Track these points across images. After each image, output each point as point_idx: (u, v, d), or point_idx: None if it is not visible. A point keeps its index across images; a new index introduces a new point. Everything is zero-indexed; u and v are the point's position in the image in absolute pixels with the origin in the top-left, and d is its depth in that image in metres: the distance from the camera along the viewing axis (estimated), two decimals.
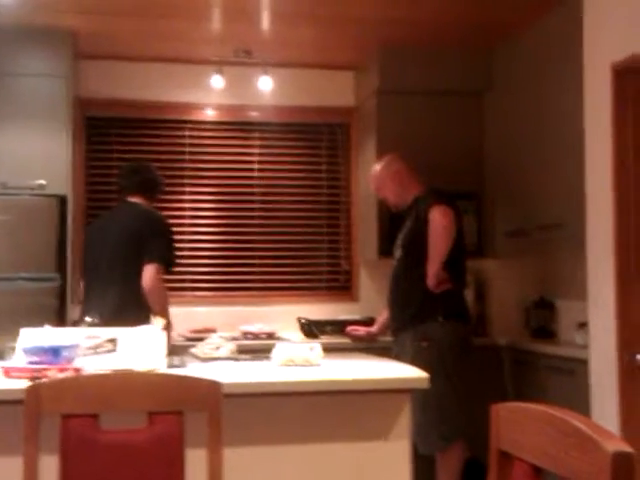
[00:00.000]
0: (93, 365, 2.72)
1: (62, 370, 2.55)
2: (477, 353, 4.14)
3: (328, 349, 3.26)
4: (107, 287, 3.85)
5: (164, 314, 3.57)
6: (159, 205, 4.53)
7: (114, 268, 3.87)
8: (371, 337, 4.67)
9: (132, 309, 3.69)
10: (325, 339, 4.81)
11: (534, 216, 4.64)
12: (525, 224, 4.74)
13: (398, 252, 4.12)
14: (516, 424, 1.49)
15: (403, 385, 2.82)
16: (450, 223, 3.87)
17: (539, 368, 4.35)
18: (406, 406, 2.85)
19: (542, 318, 4.91)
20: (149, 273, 3.77)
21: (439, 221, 3.85)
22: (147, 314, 3.42)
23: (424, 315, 3.95)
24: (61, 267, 4.53)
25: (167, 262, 3.87)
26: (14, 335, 2.86)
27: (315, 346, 3.13)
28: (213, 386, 2.01)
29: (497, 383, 4.65)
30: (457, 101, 5.17)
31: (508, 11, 4.54)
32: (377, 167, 4.36)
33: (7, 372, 2.57)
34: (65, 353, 2.63)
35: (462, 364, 3.91)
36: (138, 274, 3.75)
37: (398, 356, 3.85)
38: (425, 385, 2.77)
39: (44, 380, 2.32)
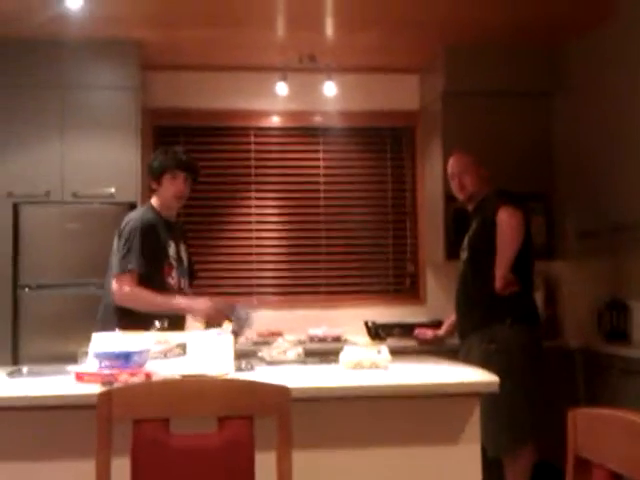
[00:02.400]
0: (163, 370, 2.75)
1: (133, 374, 2.59)
2: (548, 356, 4.07)
3: (395, 352, 3.24)
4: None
5: (160, 311, 3.41)
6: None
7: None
8: (439, 340, 4.62)
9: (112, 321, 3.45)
10: (392, 342, 4.78)
11: (606, 216, 4.54)
12: (596, 225, 4.64)
13: (464, 254, 4.08)
14: (594, 430, 1.46)
15: (472, 389, 2.78)
16: (518, 224, 3.81)
17: (613, 371, 4.25)
18: (476, 410, 2.81)
19: (615, 320, 4.80)
20: (112, 288, 3.53)
21: (507, 222, 3.80)
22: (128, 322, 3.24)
23: (492, 318, 3.89)
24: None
25: (121, 268, 3.52)
26: (87, 340, 2.91)
27: (383, 349, 3.11)
28: (282, 391, 2.02)
29: (569, 386, 4.56)
30: (524, 101, 5.09)
31: (576, 9, 4.46)
32: (456, 154, 4.28)
33: (80, 377, 2.62)
34: (136, 358, 2.67)
35: (531, 367, 3.84)
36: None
37: (466, 359, 3.80)
38: (495, 389, 2.73)
39: (116, 385, 2.37)
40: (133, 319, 3.37)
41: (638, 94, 4.17)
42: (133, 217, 3.69)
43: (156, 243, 3.64)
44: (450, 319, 4.46)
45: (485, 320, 3.91)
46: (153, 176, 3.76)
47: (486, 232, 3.89)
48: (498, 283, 3.78)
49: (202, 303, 3.61)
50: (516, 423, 3.79)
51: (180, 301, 3.61)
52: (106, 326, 3.22)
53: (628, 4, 4.24)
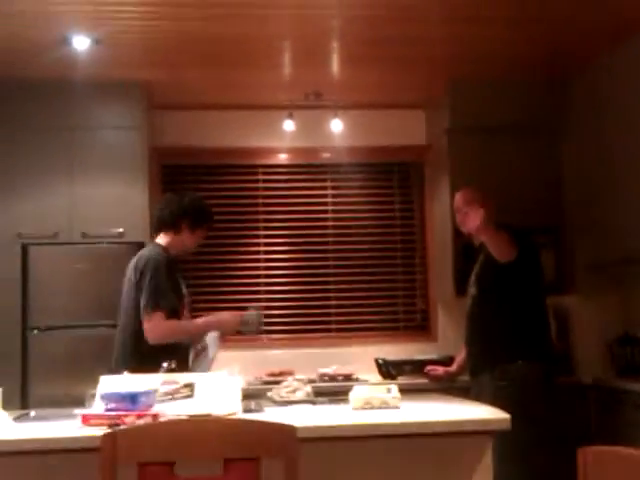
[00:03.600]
0: (171, 411, 2.73)
1: (140, 416, 2.56)
2: (560, 392, 4.01)
3: (406, 390, 3.21)
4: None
5: (193, 337, 3.61)
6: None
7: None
8: (450, 376, 4.58)
9: (128, 360, 3.52)
10: (403, 380, 4.74)
11: (615, 249, 4.51)
12: (606, 258, 4.61)
13: (472, 289, 4.05)
14: (605, 468, 1.43)
15: (484, 427, 2.74)
16: (510, 255, 3.78)
17: (627, 407, 4.19)
18: (488, 449, 2.77)
19: (628, 354, 4.74)
20: (145, 328, 3.52)
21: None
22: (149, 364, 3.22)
23: (504, 354, 3.85)
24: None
25: (153, 307, 3.51)
26: (94, 382, 2.89)
27: (392, 388, 3.08)
28: (288, 430, 1.99)
29: (582, 423, 4.50)
30: (531, 136, 5.08)
31: (582, 41, 4.47)
32: (463, 191, 4.25)
33: (86, 419, 2.59)
34: (143, 399, 2.64)
35: (544, 405, 3.79)
36: (133, 322, 3.59)
37: (478, 397, 3.75)
38: (507, 426, 2.69)
39: (120, 427, 2.34)
40: (150, 359, 3.35)
41: None
42: (149, 255, 3.66)
43: (175, 280, 3.68)
44: (461, 355, 4.42)
45: (496, 357, 3.87)
46: (172, 221, 3.73)
47: (493, 267, 3.87)
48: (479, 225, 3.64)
49: (227, 315, 3.74)
50: (528, 462, 3.73)
51: (207, 319, 3.72)
52: (123, 366, 3.28)
53: (632, 35, 4.25)
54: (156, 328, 3.51)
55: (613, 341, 4.84)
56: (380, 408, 2.96)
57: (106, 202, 4.82)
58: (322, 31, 4.28)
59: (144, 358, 3.43)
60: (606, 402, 4.44)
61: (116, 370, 3.31)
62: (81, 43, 4.22)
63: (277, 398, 3.31)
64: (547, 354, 3.94)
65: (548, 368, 3.90)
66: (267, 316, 5.46)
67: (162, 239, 3.78)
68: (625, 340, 4.77)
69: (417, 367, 4.86)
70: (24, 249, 4.69)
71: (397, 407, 2.97)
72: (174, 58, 4.58)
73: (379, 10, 3.96)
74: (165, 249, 3.73)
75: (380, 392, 3.06)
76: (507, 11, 4.00)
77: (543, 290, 4.01)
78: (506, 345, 3.84)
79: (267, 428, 2.02)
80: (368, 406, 2.97)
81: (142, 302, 3.54)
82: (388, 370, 4.92)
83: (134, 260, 3.71)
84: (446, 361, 4.74)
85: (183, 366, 3.48)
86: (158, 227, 3.81)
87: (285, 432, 1.99)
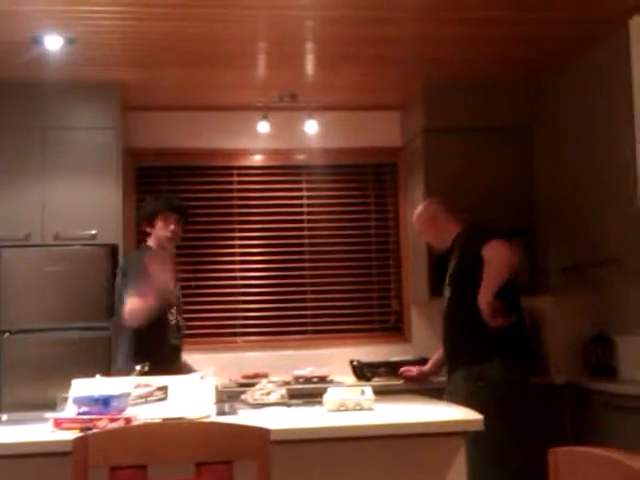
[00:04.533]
0: (144, 414, 2.71)
1: (113, 420, 2.54)
2: (534, 392, 4.03)
3: (381, 392, 3.21)
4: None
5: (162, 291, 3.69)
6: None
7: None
8: (424, 376, 4.59)
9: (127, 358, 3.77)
10: (378, 381, 4.75)
11: (589, 251, 4.54)
12: (579, 259, 4.64)
13: (447, 291, 4.06)
14: (576, 469, 1.43)
15: (457, 428, 2.75)
16: (511, 256, 3.79)
17: (599, 407, 4.22)
18: (461, 449, 2.77)
19: (601, 355, 4.78)
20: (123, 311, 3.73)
21: (499, 253, 3.76)
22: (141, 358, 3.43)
23: (479, 354, 3.86)
24: (112, 316, 4.57)
25: (126, 297, 3.73)
26: (66, 386, 2.86)
27: (366, 390, 3.08)
28: (261, 433, 1.98)
29: (555, 423, 4.52)
30: (505, 137, 5.10)
31: (554, 45, 4.51)
32: (416, 213, 4.33)
33: (58, 423, 2.57)
34: (115, 403, 2.62)
35: (519, 404, 3.81)
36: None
37: (451, 396, 3.76)
38: (480, 427, 2.70)
39: (92, 431, 2.32)
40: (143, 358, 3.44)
41: (617, 128, 4.20)
42: (133, 256, 4.03)
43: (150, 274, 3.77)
44: (437, 355, 4.43)
45: (472, 357, 3.88)
46: (146, 219, 4.05)
47: (467, 267, 3.88)
48: (484, 309, 3.70)
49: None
50: (503, 462, 3.75)
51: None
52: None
53: (606, 37, 4.28)
54: (127, 311, 3.68)
55: (586, 342, 4.88)
56: (354, 410, 2.96)
57: (79, 204, 4.78)
58: (297, 32, 4.27)
59: (137, 357, 3.58)
60: (579, 402, 4.47)
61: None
62: (54, 43, 4.18)
63: (251, 400, 3.30)
64: (523, 352, 3.96)
65: (524, 367, 3.91)
66: (243, 318, 5.46)
67: (150, 241, 4.05)
68: (598, 340, 4.80)
69: (391, 369, 4.86)
70: None
71: (371, 409, 2.97)
72: (148, 59, 4.55)
73: (354, 11, 3.97)
74: (146, 247, 4.02)
75: (354, 394, 3.06)
76: (481, 11, 4.02)
77: (517, 289, 4.03)
78: (482, 343, 3.85)
79: (240, 431, 2.01)
80: (342, 408, 2.97)
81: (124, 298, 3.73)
82: (363, 372, 4.92)
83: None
84: (420, 362, 4.75)
85: (170, 366, 3.62)
86: (142, 229, 4.12)
87: (258, 435, 1.98)
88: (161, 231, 4.00)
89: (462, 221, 4.12)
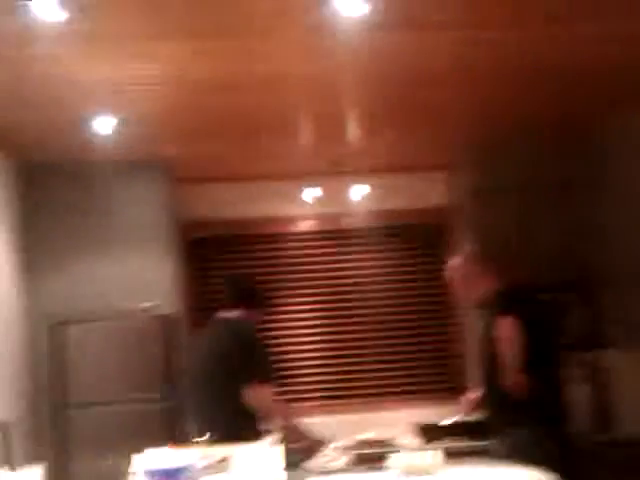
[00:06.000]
0: None
1: None
2: (599, 452, 3.88)
3: (448, 453, 3.14)
4: (209, 406, 3.88)
5: (289, 424, 3.68)
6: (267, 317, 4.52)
7: (211, 387, 3.90)
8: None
9: (238, 426, 3.68)
10: (444, 443, 4.64)
11: None
12: None
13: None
14: None
15: None
16: (514, 335, 3.74)
17: None
18: None
19: None
20: (255, 393, 3.73)
21: (503, 334, 3.73)
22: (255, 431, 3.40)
23: (512, 422, 3.77)
24: (171, 388, 4.60)
25: (268, 376, 3.81)
26: (129, 458, 2.87)
27: (433, 453, 3.01)
28: None
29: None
30: (554, 193, 5.06)
31: (602, 99, 4.47)
32: (449, 262, 4.27)
33: None
34: (186, 474, 2.62)
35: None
36: (235, 391, 3.76)
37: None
38: None
39: None
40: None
41: None
42: (252, 327, 4.00)
43: None
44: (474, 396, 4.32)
45: (507, 423, 3.80)
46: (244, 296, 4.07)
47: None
48: (512, 392, 3.70)
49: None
50: None
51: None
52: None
53: None
54: (266, 397, 3.72)
55: None
56: (420, 475, 2.89)
57: (134, 277, 4.85)
58: (341, 100, 4.32)
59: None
60: None
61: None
62: (103, 124, 4.26)
63: (315, 468, 3.27)
64: (556, 417, 3.86)
65: (556, 434, 3.80)
66: (298, 383, 5.43)
67: (244, 314, 4.04)
68: None
69: (457, 429, 4.75)
70: (56, 328, 4.70)
71: (435, 473, 2.90)
72: (196, 133, 4.63)
73: (396, 76, 4.00)
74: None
75: (420, 458, 2.99)
76: (526, 72, 4.02)
77: (551, 352, 3.95)
78: (514, 411, 3.77)
79: None
80: (410, 473, 2.91)
81: (256, 371, 3.74)
82: (428, 434, 4.82)
83: (229, 330, 3.92)
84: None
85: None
86: (237, 301, 4.08)
87: None
88: (259, 315, 4.09)
89: (498, 279, 4.04)
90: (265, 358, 3.88)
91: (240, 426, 3.67)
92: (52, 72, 3.51)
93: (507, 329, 3.72)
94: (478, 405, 4.24)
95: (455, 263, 4.22)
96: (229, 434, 3.36)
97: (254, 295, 4.15)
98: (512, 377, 3.68)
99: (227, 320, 4.04)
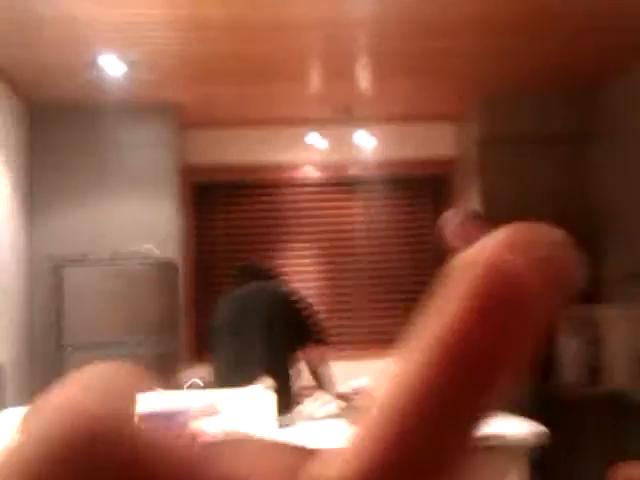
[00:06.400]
0: (205, 428, 2.72)
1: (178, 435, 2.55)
2: (590, 404, 3.91)
3: None
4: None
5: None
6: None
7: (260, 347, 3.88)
8: None
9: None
10: None
11: None
12: None
13: None
14: None
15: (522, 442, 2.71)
16: None
17: None
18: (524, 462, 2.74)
19: None
20: (313, 354, 3.96)
21: None
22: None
23: None
24: (173, 331, 4.63)
25: (323, 338, 4.04)
26: None
27: None
28: None
29: (615, 437, 4.41)
30: (561, 146, 5.03)
31: (612, 49, 4.42)
32: (444, 216, 4.22)
33: None
34: (179, 418, 2.64)
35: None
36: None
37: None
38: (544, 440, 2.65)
39: None
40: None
41: None
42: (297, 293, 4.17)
43: None
44: None
45: None
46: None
47: None
48: None
49: None
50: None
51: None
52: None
53: None
54: (324, 357, 4.00)
55: None
56: None
57: (138, 220, 4.85)
58: (352, 47, 4.27)
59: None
60: (635, 413, 4.36)
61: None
62: (112, 65, 4.24)
63: (307, 412, 3.29)
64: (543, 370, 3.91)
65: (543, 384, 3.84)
66: None
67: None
68: None
69: None
70: (56, 269, 4.71)
71: None
72: (203, 77, 4.60)
73: (408, 25, 3.95)
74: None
75: None
76: (536, 23, 3.96)
77: None
78: None
79: None
80: None
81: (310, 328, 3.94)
82: None
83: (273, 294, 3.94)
84: None
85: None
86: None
87: None
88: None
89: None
90: (318, 321, 4.05)
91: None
92: (62, 12, 3.47)
93: None
94: None
95: (449, 214, 4.19)
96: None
97: (268, 277, 4.16)
98: None
99: (265, 287, 4.01)
